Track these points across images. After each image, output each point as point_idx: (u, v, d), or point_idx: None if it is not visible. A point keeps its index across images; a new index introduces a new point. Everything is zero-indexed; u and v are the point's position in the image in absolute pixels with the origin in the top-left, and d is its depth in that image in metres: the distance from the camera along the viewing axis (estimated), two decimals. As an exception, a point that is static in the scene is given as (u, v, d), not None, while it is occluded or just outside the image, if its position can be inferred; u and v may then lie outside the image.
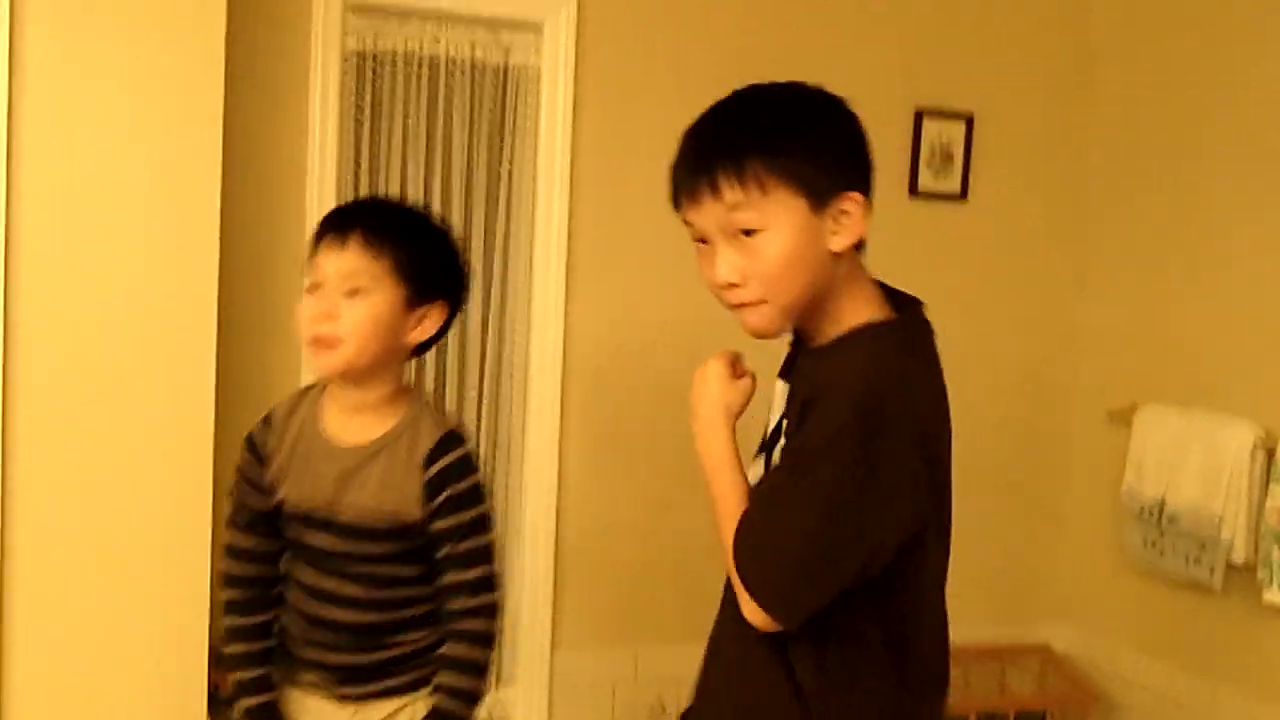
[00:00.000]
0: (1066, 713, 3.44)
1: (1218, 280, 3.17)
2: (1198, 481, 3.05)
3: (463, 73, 3.07)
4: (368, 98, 3.02)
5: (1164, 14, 3.38)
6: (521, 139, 3.14)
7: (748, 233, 1.41)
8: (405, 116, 3.04)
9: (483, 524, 1.79)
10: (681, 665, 3.38)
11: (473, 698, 1.79)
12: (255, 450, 1.86)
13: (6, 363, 2.44)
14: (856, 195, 1.43)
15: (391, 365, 1.79)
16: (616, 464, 3.23)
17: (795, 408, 1.44)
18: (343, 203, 1.78)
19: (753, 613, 1.39)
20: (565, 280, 3.14)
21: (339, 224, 1.76)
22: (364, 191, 3.03)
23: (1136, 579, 3.37)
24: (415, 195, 3.05)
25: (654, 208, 3.19)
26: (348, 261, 1.72)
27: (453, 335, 3.13)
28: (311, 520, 1.79)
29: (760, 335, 1.48)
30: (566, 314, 3.16)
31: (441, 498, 1.75)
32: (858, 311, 1.47)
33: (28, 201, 2.43)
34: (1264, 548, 2.86)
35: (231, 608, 1.87)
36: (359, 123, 3.01)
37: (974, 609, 3.65)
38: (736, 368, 1.55)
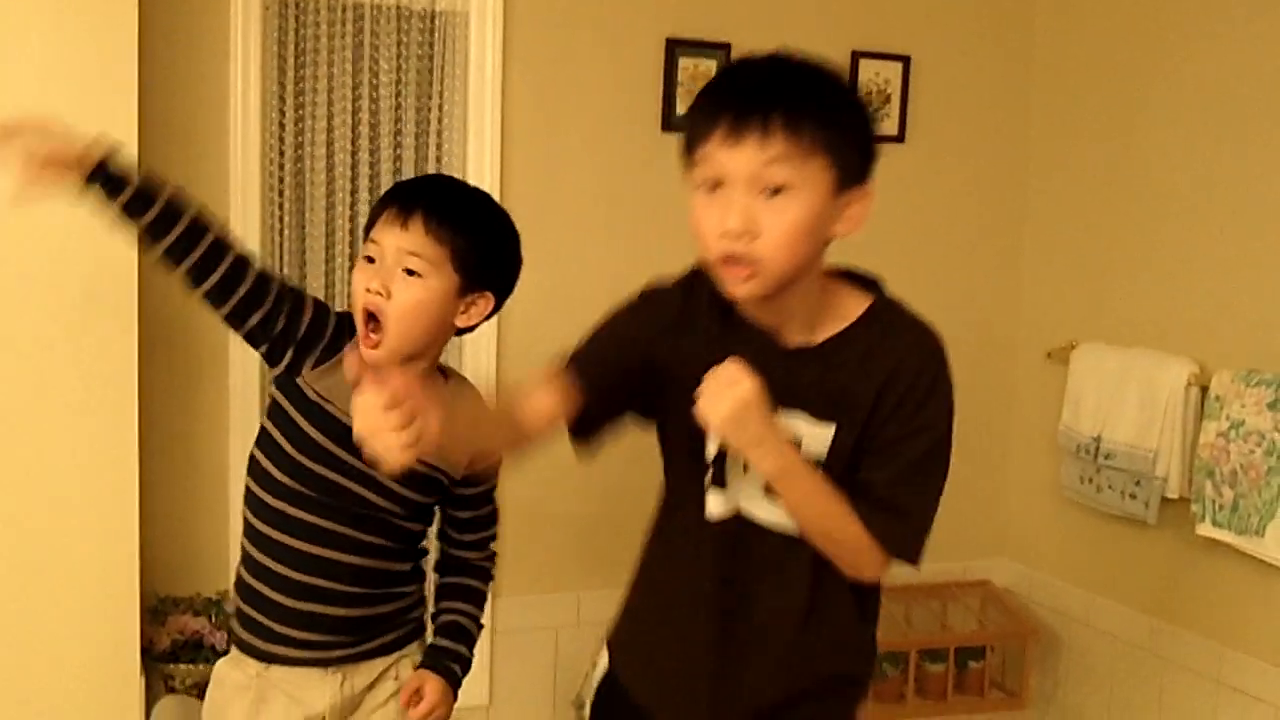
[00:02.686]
0: (1007, 647, 3.50)
1: (1156, 220, 3.18)
2: (1133, 418, 3.08)
3: (389, 19, 2.99)
4: (291, 46, 2.92)
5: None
6: (450, 86, 3.06)
7: (774, 190, 1.38)
8: (330, 65, 2.95)
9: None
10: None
11: (480, 626, 2.02)
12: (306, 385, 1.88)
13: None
14: (867, 191, 1.45)
15: (432, 347, 1.80)
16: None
17: (865, 391, 1.49)
18: (410, 178, 1.82)
19: (878, 569, 1.57)
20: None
21: (404, 200, 1.75)
22: (289, 144, 2.95)
23: (1074, 514, 3.42)
24: (343, 145, 2.98)
25: (587, 153, 3.18)
26: (408, 241, 1.71)
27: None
28: (358, 477, 1.79)
29: (741, 298, 1.46)
30: (502, 264, 3.11)
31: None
32: (851, 297, 1.54)
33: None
34: (1197, 482, 2.90)
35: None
36: (282, 72, 2.92)
37: (916, 548, 3.69)
38: None
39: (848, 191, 1.42)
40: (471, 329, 1.84)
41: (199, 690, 2.73)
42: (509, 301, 3.10)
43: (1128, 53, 3.28)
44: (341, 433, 1.73)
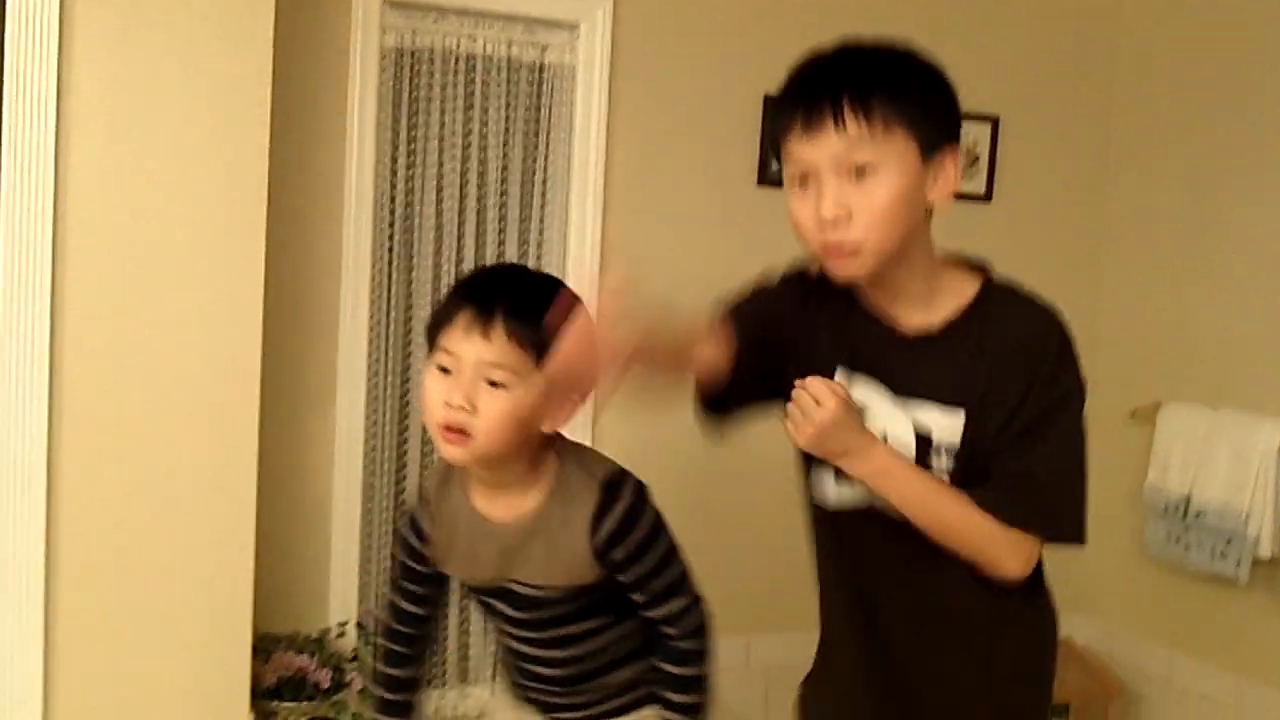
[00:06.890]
0: (1089, 705, 3.49)
1: (1240, 279, 3.22)
2: (1224, 477, 3.10)
3: (499, 70, 3.07)
4: (405, 95, 3.01)
5: (1188, 20, 3.43)
6: (556, 138, 3.14)
7: (859, 172, 1.42)
8: (442, 114, 3.03)
9: (667, 560, 1.69)
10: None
11: (696, 710, 1.71)
12: (416, 529, 1.77)
13: (55, 359, 2.43)
14: (955, 151, 1.47)
15: (524, 449, 1.64)
16: (652, 462, 3.22)
17: (987, 374, 1.48)
18: (477, 270, 1.78)
19: (1020, 561, 1.54)
20: (598, 281, 3.14)
21: (480, 303, 1.59)
22: (400, 191, 3.02)
23: (1158, 573, 3.42)
24: (451, 192, 3.05)
25: (686, 206, 3.23)
26: (491, 352, 1.56)
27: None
28: (488, 592, 1.74)
29: (848, 280, 1.49)
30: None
31: (618, 556, 1.65)
32: (961, 278, 1.55)
33: (76, 191, 2.42)
34: (1292, 543, 2.92)
35: (384, 658, 1.84)
36: (396, 119, 3.01)
37: (992, 603, 3.68)
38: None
39: (935, 158, 1.45)
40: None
41: (305, 728, 2.76)
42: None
43: (1210, 112, 3.33)
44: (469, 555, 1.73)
